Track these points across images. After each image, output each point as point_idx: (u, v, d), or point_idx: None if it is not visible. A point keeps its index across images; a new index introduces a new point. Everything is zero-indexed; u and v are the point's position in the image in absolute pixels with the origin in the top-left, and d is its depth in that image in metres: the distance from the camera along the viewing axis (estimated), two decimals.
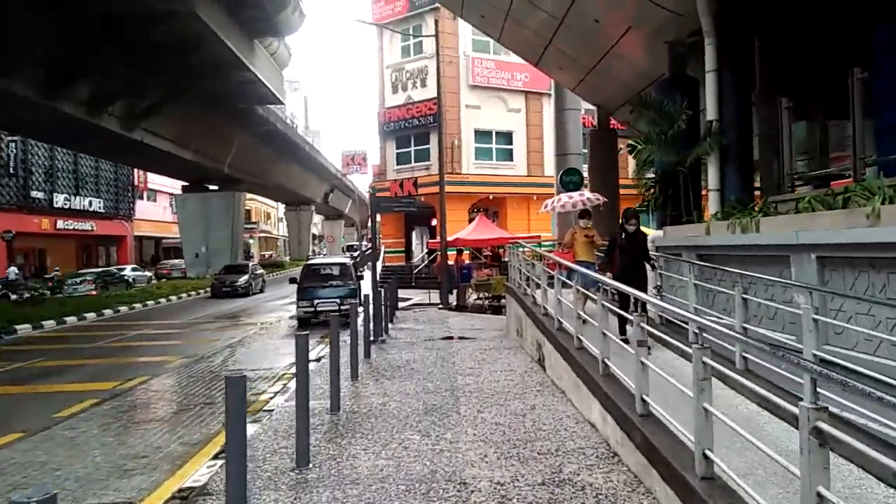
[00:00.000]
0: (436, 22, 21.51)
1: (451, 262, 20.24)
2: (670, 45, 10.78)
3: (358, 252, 46.27)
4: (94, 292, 29.29)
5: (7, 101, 17.85)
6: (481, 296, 19.71)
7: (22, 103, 18.21)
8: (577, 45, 13.68)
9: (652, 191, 10.43)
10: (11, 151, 38.68)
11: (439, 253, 27.25)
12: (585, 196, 13.27)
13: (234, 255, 39.51)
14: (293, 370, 11.24)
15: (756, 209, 7.09)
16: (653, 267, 8.42)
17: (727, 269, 6.53)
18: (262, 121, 33.32)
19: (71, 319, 20.37)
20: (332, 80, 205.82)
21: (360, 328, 11.36)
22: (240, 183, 39.26)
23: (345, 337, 9.04)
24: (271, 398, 8.62)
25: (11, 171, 38.87)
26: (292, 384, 8.74)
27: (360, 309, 12.61)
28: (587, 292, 6.91)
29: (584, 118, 33.07)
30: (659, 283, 8.58)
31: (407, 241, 34.16)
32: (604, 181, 15.74)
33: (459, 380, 8.14)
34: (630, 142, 11.64)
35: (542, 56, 15.19)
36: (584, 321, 6.69)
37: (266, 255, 70.26)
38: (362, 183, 72.79)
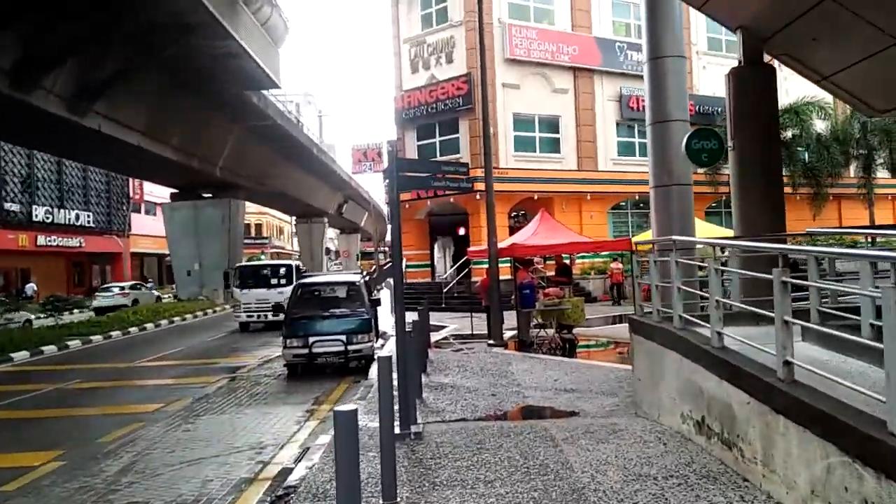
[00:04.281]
0: None
1: (502, 279, 14.43)
2: None
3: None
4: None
5: None
6: (548, 323, 13.93)
7: None
8: None
9: None
10: None
11: (477, 266, 21.71)
12: None
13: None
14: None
15: None
16: None
17: None
18: (258, 113, 27.79)
19: None
20: (340, 66, 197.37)
21: (374, 395, 5.76)
22: (237, 189, 33.89)
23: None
24: None
25: None
26: None
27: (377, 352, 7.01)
28: None
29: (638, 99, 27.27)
30: None
31: (432, 253, 28.50)
32: (757, 146, 9.94)
33: None
34: None
35: None
36: None
37: None
38: (377, 188, 67.84)
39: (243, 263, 23.08)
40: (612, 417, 7.07)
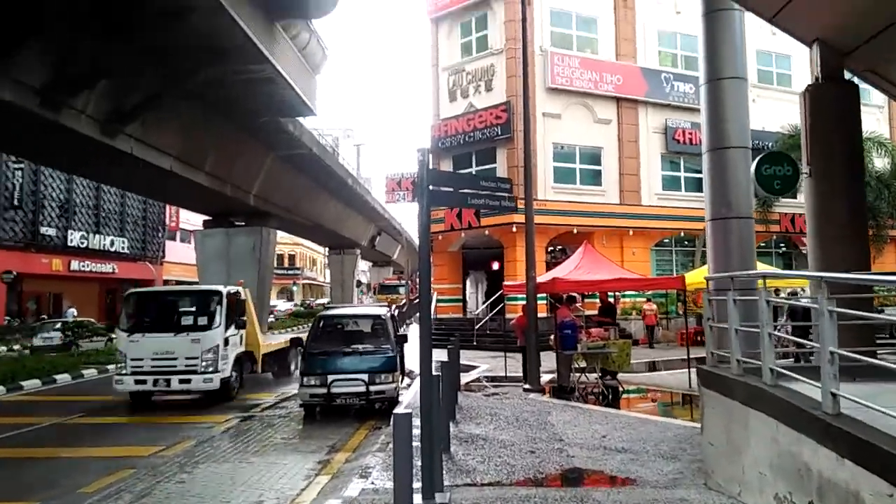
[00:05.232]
0: None
1: (539, 316, 13.27)
2: None
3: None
4: None
5: None
6: (591, 368, 12.66)
7: None
8: None
9: None
10: (17, 181, 34.11)
11: (512, 303, 20.58)
12: None
13: (260, 302, 33.55)
14: None
15: None
16: None
17: None
18: (293, 141, 27.39)
19: None
20: (379, 95, 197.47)
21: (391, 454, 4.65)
22: (269, 218, 33.33)
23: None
24: None
25: (16, 203, 34.25)
26: None
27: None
28: None
29: (684, 132, 26.08)
30: None
31: (464, 287, 27.41)
32: (838, 172, 8.76)
33: None
34: None
35: None
36: None
37: (307, 303, 65.12)
38: (410, 220, 67.49)
39: (136, 290, 14.97)
40: (678, 489, 5.85)
